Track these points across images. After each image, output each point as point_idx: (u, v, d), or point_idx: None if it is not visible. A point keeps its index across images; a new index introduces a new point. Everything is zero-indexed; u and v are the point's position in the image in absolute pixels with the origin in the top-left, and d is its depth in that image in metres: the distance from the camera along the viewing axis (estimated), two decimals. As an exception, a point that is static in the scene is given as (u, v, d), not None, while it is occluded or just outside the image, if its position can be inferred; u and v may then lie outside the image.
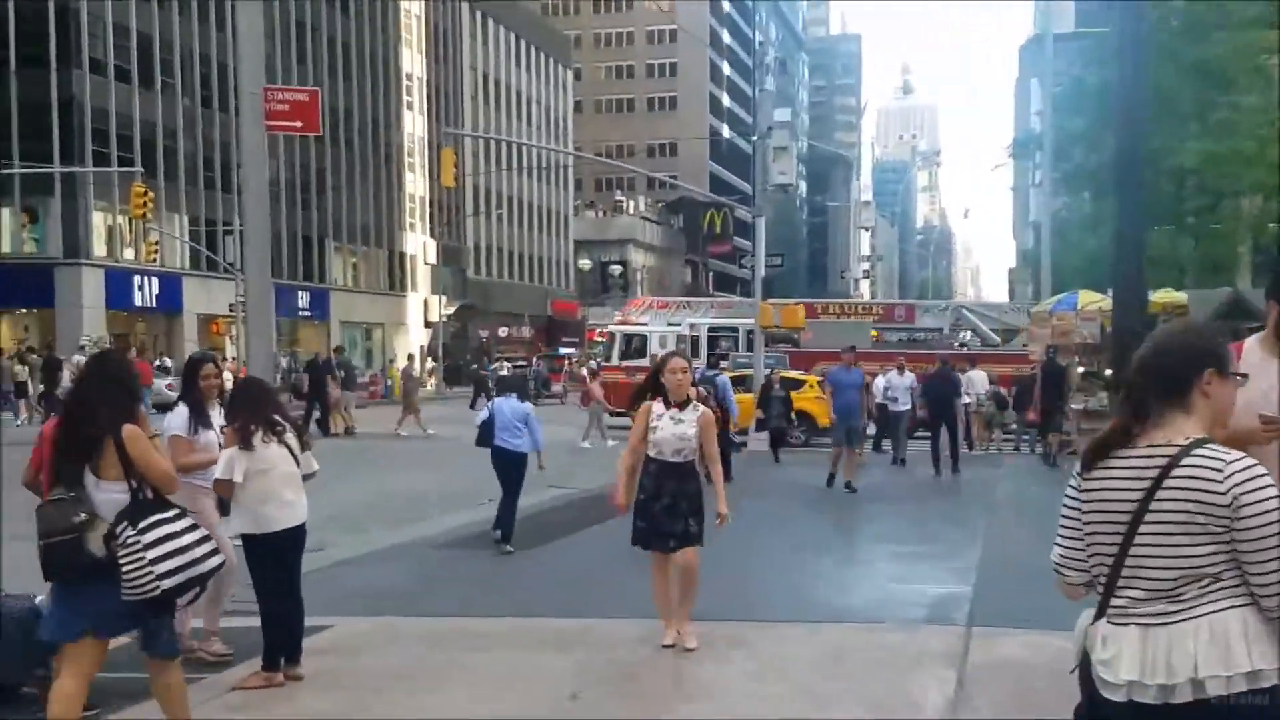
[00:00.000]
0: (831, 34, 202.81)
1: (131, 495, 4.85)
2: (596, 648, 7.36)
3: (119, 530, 4.75)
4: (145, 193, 33.74)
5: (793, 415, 22.38)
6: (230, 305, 45.91)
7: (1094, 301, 27.65)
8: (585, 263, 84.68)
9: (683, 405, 7.26)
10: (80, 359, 37.59)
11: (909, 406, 20.01)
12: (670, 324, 33.36)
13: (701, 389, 10.66)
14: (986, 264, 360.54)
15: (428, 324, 65.65)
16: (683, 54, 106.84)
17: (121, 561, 4.73)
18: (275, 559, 6.59)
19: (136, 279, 47.19)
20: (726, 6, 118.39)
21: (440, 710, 6.11)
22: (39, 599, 5.93)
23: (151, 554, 4.74)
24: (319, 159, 58.96)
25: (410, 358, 28.89)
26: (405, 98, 67.33)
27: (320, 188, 59.46)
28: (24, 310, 46.49)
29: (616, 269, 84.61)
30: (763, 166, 29.78)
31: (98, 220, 45.45)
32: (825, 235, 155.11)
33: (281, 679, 6.57)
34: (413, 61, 68.83)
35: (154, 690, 5.20)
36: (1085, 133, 36.26)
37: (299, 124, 11.06)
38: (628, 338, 32.97)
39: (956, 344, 33.33)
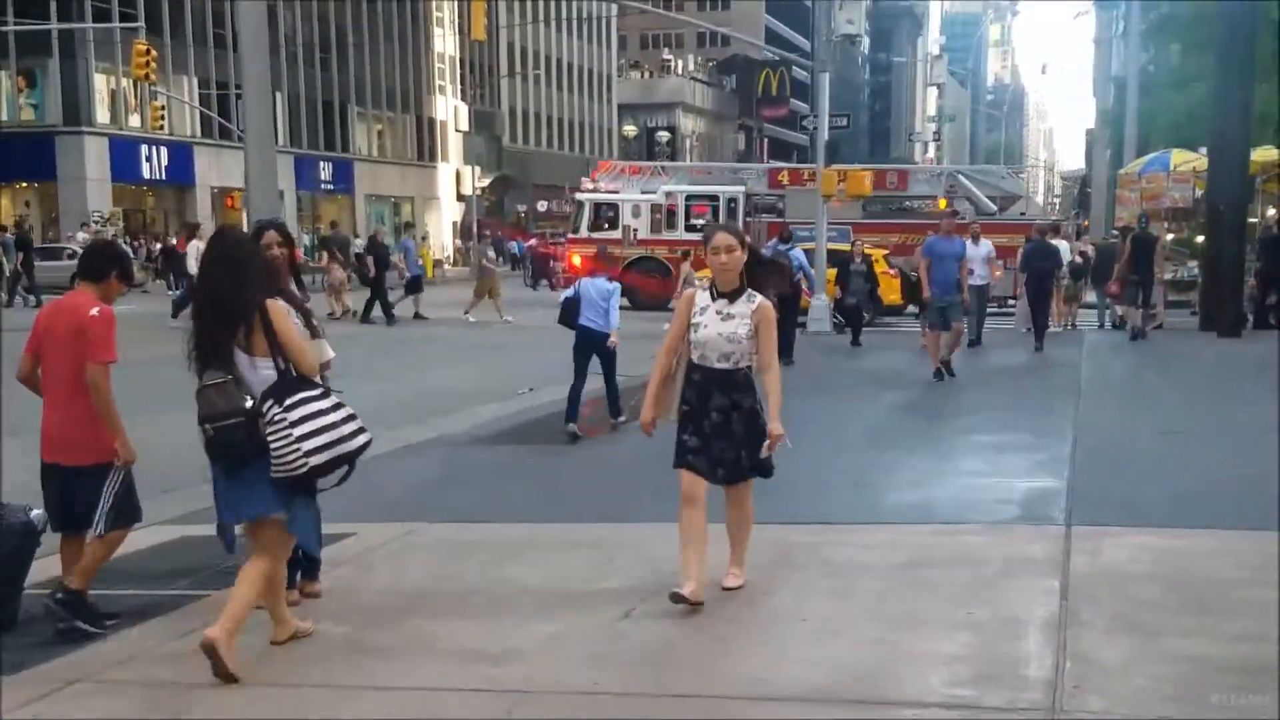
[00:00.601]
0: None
1: (278, 373, 5.09)
2: (642, 558, 6.80)
3: (266, 409, 4.99)
4: (148, 51, 32.89)
5: (876, 293, 21.79)
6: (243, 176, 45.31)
7: (1187, 161, 26.65)
8: (630, 129, 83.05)
9: (733, 296, 5.83)
10: (85, 236, 37.32)
11: (987, 280, 19.18)
12: (644, 191, 32.07)
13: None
14: (1061, 125, 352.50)
15: (460, 198, 64.88)
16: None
17: (270, 440, 4.97)
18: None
19: (144, 148, 46.64)
20: None
21: (465, 638, 5.60)
22: (34, 512, 5.87)
23: (298, 431, 4.97)
24: (338, 16, 57.73)
25: (484, 237, 27.77)
26: (430, -52, 65.60)
27: (341, 48, 58.32)
28: (24, 184, 46.12)
29: (664, 135, 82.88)
30: (826, 15, 28.39)
31: (100, 84, 44.71)
32: (889, 96, 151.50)
33: (297, 597, 6.06)
34: (440, -92, 66.90)
35: (255, 578, 5.17)
36: None
37: None
38: (597, 206, 31.72)
39: (951, 212, 32.37)
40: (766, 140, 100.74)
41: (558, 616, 5.82)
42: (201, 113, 48.37)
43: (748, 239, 6.07)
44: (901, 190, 33.43)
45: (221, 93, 49.17)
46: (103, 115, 45.65)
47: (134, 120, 46.93)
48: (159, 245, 43.05)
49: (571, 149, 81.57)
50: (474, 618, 5.87)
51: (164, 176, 48.03)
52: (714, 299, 5.89)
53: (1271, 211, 22.71)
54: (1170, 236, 25.37)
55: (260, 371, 5.12)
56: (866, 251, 21.64)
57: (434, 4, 65.84)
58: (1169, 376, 15.57)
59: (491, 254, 26.71)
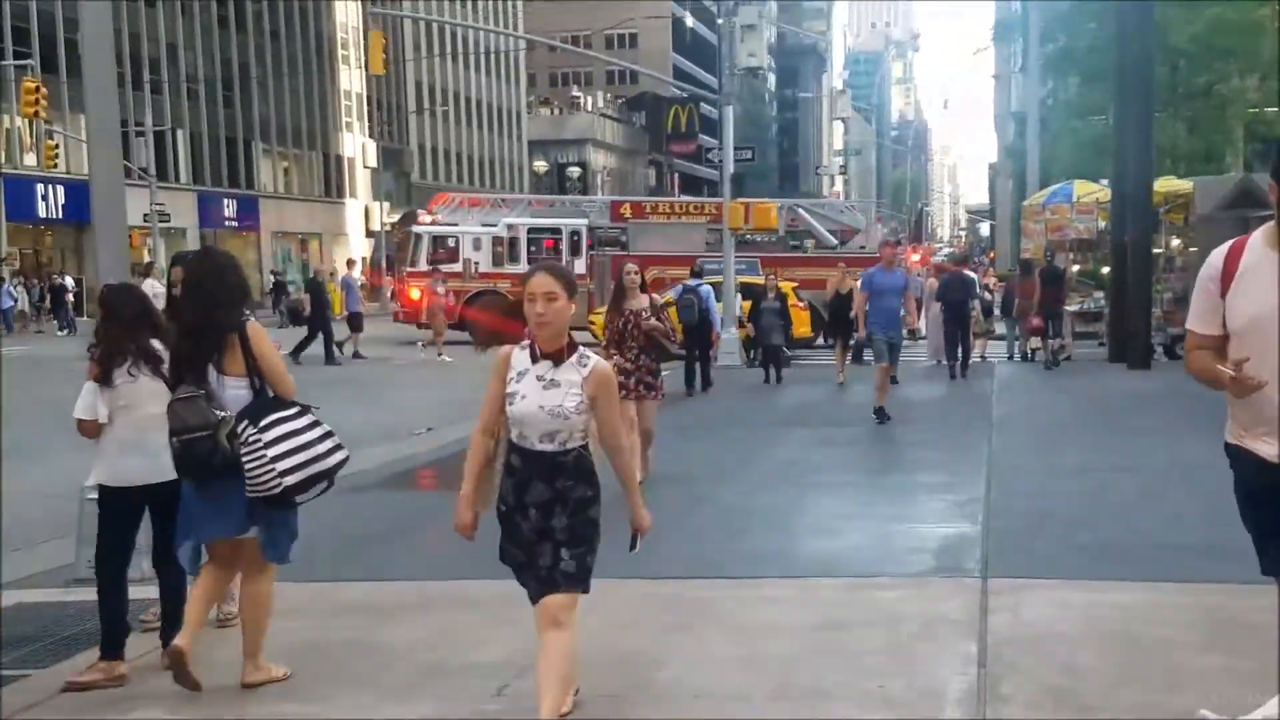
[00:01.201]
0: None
1: (254, 393, 5.11)
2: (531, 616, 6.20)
3: (240, 428, 4.99)
4: (37, 89, 31.78)
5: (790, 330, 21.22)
6: (144, 215, 44.05)
7: (1090, 193, 26.89)
8: (541, 164, 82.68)
9: (558, 357, 4.38)
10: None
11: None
12: (484, 224, 31.35)
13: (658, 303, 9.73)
14: (965, 159, 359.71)
15: (369, 233, 63.83)
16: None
17: (245, 460, 4.95)
18: (130, 520, 5.55)
19: (40, 187, 45.11)
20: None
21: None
22: None
23: (272, 451, 4.96)
24: (241, 52, 56.68)
25: (435, 272, 26.70)
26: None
27: (245, 84, 57.17)
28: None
29: (575, 171, 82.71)
30: (730, 49, 28.27)
31: (-10, 123, 43.22)
32: (796, 131, 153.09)
33: (123, 671, 5.43)
34: (345, -57, 66.09)
35: (242, 598, 5.39)
36: (1071, 12, 35.40)
37: None
38: (435, 239, 30.85)
39: (790, 246, 32.36)
40: (677, 175, 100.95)
41: (422, 694, 5.22)
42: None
43: (576, 284, 4.61)
44: (743, 224, 33.19)
45: (122, 130, 47.69)
46: (-5, 154, 44.10)
47: (29, 159, 45.43)
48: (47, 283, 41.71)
49: (481, 184, 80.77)
50: (327, 698, 5.22)
51: (61, 215, 46.46)
52: (534, 361, 4.37)
53: (1176, 241, 22.84)
54: (1076, 268, 25.57)
55: (229, 390, 5.13)
56: (781, 286, 21.28)
57: (339, 40, 64.94)
58: (1082, 411, 15.33)
59: (441, 290, 25.87)
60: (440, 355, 24.34)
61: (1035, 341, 21.40)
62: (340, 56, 65.42)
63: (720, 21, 30.01)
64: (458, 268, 29.29)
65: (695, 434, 13.91)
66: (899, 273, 15.09)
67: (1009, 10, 75.92)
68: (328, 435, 5.17)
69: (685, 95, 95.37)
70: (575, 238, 30.65)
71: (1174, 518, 8.44)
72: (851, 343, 18.65)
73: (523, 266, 29.45)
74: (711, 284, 20.07)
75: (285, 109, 60.15)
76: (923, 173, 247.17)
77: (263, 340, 5.21)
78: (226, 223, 55.87)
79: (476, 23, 76.83)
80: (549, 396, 4.34)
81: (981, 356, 22.89)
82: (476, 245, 30.38)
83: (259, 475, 4.97)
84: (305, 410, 5.20)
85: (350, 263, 29.58)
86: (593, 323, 24.22)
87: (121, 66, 48.18)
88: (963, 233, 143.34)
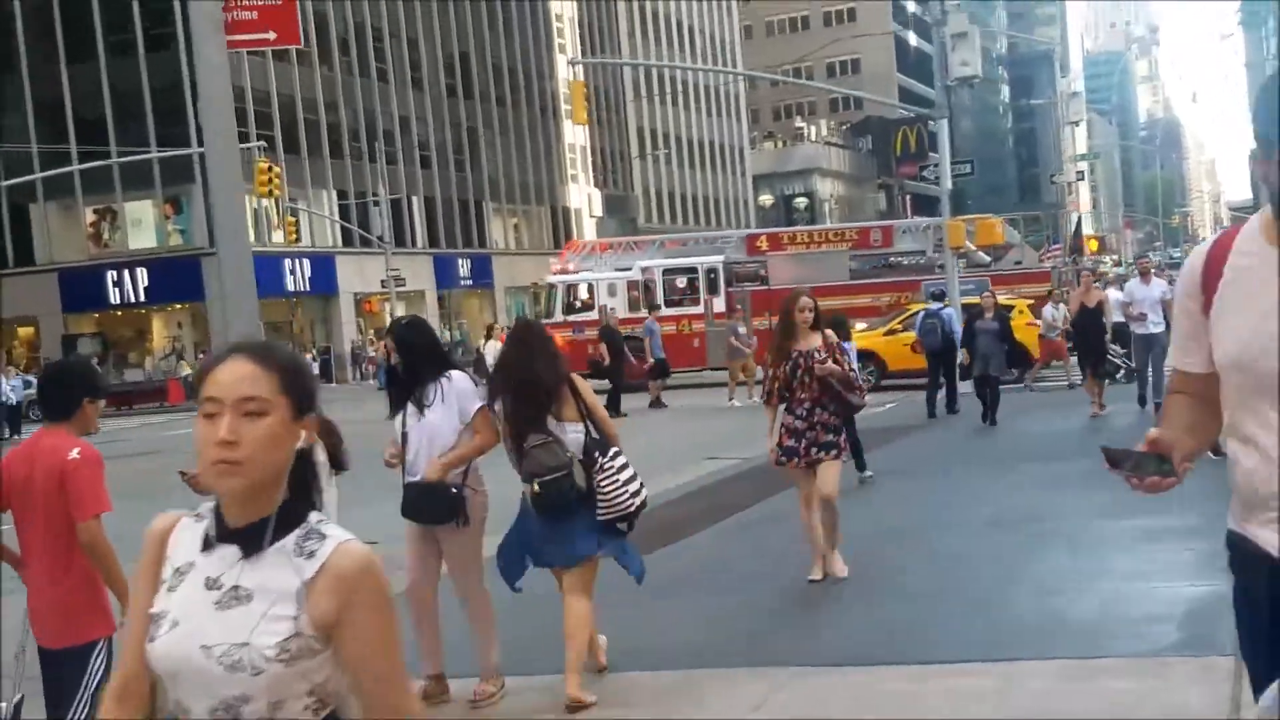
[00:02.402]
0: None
1: (587, 433, 5.68)
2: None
3: (597, 458, 5.62)
4: (270, 169, 32.99)
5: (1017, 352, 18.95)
6: (381, 281, 45.38)
7: None
8: (767, 198, 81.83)
9: (252, 539, 1.93)
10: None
11: (1162, 328, 15.15)
12: (618, 269, 30.09)
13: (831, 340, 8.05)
14: (1224, 154, 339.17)
15: (600, 281, 64.26)
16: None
17: (602, 484, 5.60)
18: None
19: (287, 262, 47.10)
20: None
21: None
22: None
23: (623, 476, 5.66)
24: (469, 117, 58.09)
25: (735, 312, 25.67)
26: (557, 41, 65.73)
27: (474, 147, 58.59)
28: (177, 305, 46.98)
29: (802, 201, 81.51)
30: (942, 60, 26.77)
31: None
32: (1034, 142, 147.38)
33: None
34: (561, 3, 67.17)
35: (572, 616, 5.69)
36: None
37: (271, 35, 9.15)
38: (569, 288, 29.80)
39: (937, 267, 29.26)
40: (909, 196, 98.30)
41: None
42: (341, 224, 48.76)
43: (309, 380, 2.35)
44: (886, 247, 30.55)
45: (360, 201, 49.58)
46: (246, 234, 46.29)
47: (276, 236, 47.53)
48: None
49: (708, 223, 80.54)
50: None
51: (308, 287, 48.45)
52: (206, 546, 2.06)
53: None
54: None
55: (569, 434, 5.70)
56: (1003, 303, 19.54)
57: (562, 95, 65.84)
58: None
59: (742, 330, 23.94)
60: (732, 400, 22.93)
61: None
62: (564, 111, 66.37)
63: (932, 28, 28.44)
64: (594, 315, 28.05)
65: (912, 472, 12.61)
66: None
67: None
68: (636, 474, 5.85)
69: (912, 115, 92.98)
70: (712, 275, 29.39)
71: None
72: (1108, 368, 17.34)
73: (662, 310, 28.35)
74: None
75: (513, 167, 61.34)
76: (1176, 172, 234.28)
77: (588, 390, 5.97)
78: (462, 282, 57.19)
79: (695, 63, 76.93)
80: (225, 623, 2.00)
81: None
82: (611, 291, 29.30)
83: (617, 496, 5.67)
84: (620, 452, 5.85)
85: (654, 308, 27.23)
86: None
87: (357, 141, 50.24)
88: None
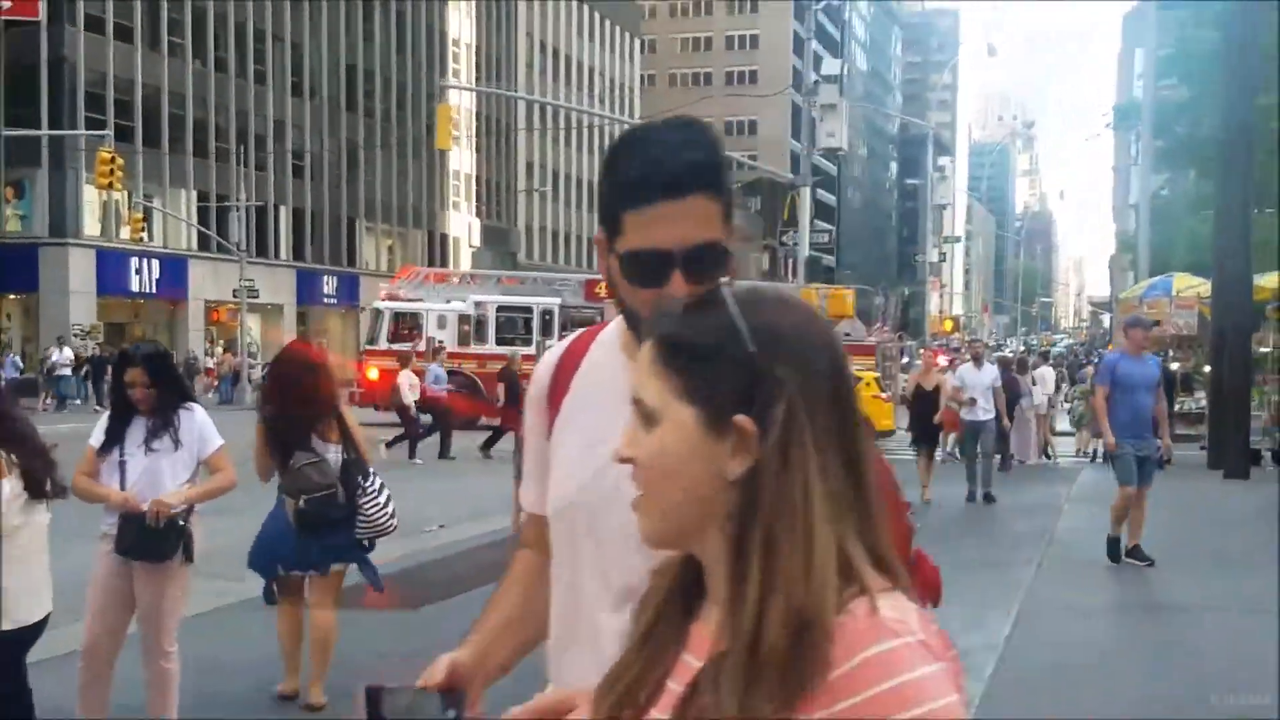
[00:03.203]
0: (927, 8, 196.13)
1: (348, 456, 6.00)
2: None
3: (359, 481, 6.00)
4: (112, 159, 30.01)
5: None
6: (234, 290, 42.38)
7: (1191, 286, 24.30)
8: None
9: None
10: (64, 353, 34.15)
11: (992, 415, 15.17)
12: (450, 300, 29.07)
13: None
14: (1089, 251, 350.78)
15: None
16: (764, 25, 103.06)
17: (365, 506, 6.00)
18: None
19: (134, 261, 43.79)
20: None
21: None
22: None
23: (382, 499, 6.07)
24: (351, 130, 55.45)
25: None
26: (452, 65, 63.44)
27: (352, 161, 55.89)
28: (9, 295, 43.22)
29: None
30: (810, 130, 25.90)
31: (91, 195, 41.86)
32: (915, 221, 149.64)
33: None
34: (460, 25, 65.01)
35: (315, 628, 5.99)
36: (1190, 103, 32.70)
37: (6, 4, 6.89)
38: (397, 316, 28.56)
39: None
40: (793, 260, 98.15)
41: None
42: (198, 228, 45.59)
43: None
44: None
45: (221, 205, 46.50)
46: (92, 227, 42.92)
47: (125, 232, 44.22)
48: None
49: (590, 266, 78.87)
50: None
51: (155, 289, 45.14)
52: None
53: None
54: (1175, 365, 22.88)
55: (329, 455, 5.96)
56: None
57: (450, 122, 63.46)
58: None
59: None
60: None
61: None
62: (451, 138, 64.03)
63: (803, 96, 27.63)
64: (421, 345, 26.86)
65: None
66: (1152, 361, 10.77)
67: (1130, 96, 72.23)
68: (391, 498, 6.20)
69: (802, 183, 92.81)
70: (547, 317, 28.39)
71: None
72: (941, 452, 17.23)
73: (491, 347, 27.72)
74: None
75: (392, 187, 58.76)
76: (1045, 263, 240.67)
77: (351, 415, 6.25)
78: (325, 299, 54.29)
79: (592, 105, 75.39)
80: None
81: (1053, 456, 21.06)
82: (441, 323, 28.04)
83: (377, 516, 6.05)
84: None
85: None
86: None
87: (225, 141, 47.18)
88: (1084, 324, 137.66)
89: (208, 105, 47.26)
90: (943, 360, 22.72)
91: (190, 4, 46.20)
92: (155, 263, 44.55)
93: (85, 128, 40.41)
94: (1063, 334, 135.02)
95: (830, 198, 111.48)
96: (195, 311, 46.97)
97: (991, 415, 14.88)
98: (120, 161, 31.10)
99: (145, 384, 5.18)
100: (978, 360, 15.20)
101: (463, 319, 28.31)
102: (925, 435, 15.46)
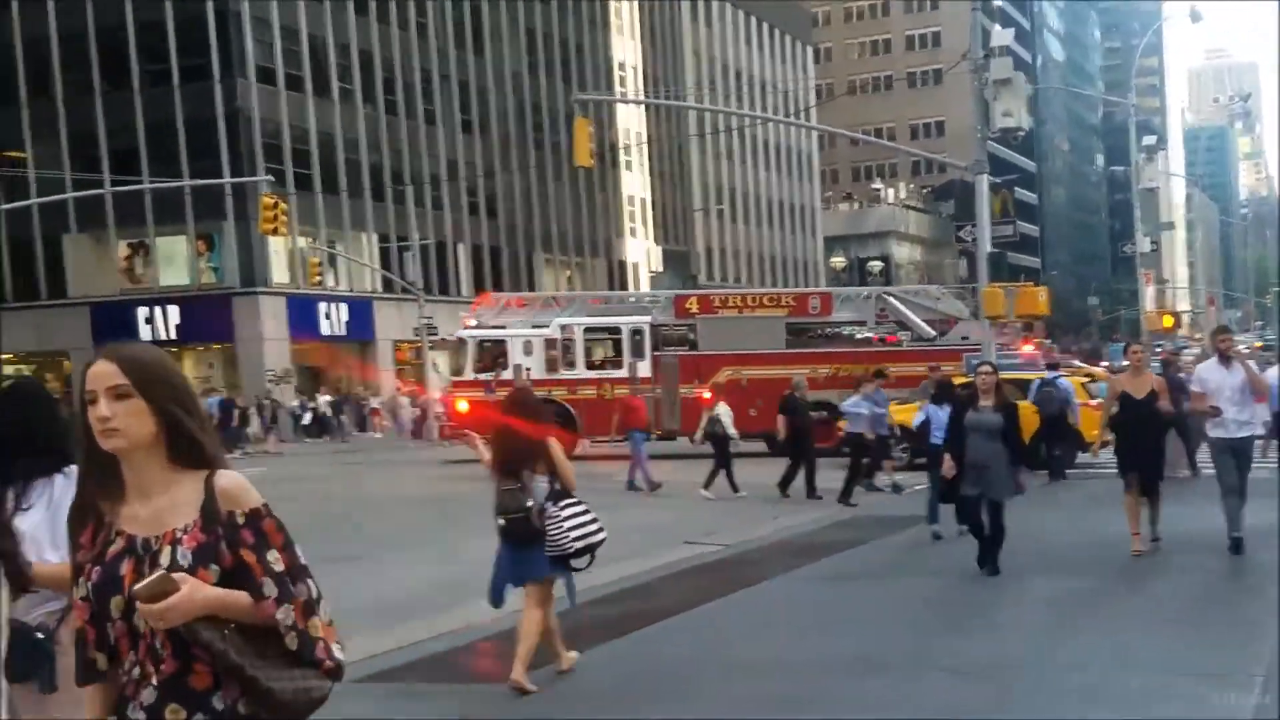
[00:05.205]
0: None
1: (550, 485, 7.29)
2: None
3: (547, 507, 7.21)
4: (275, 204, 31.56)
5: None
6: (415, 329, 44.03)
7: None
8: (839, 260, 79.66)
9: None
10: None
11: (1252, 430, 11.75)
12: (536, 325, 28.09)
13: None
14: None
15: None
16: (946, 21, 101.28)
17: (548, 528, 7.18)
18: None
19: (322, 306, 45.99)
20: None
21: None
22: None
23: (568, 524, 7.22)
24: (523, 164, 56.98)
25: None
26: (619, 89, 64.56)
27: (526, 194, 57.42)
28: (207, 346, 45.97)
29: (876, 265, 79.19)
30: (984, 110, 24.86)
31: (276, 244, 44.19)
32: (1128, 214, 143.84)
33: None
34: (624, 49, 66.15)
35: (525, 619, 7.27)
36: None
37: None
38: (481, 344, 27.79)
39: (877, 338, 27.94)
40: (966, 259, 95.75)
41: None
42: (382, 271, 47.56)
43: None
44: (824, 316, 28.27)
45: (402, 245, 48.42)
46: (280, 275, 45.31)
47: (316, 279, 46.48)
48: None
49: (773, 284, 78.73)
50: None
51: (345, 332, 47.26)
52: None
53: None
54: None
55: (538, 484, 7.28)
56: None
57: (621, 146, 64.55)
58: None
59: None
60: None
61: None
62: (623, 163, 65.13)
63: (972, 72, 26.12)
64: (508, 374, 26.33)
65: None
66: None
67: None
68: (595, 519, 7.36)
69: (999, 181, 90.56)
70: (637, 337, 27.41)
71: None
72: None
73: (580, 371, 27.21)
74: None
75: (568, 218, 60.03)
76: (1276, 251, 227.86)
77: (559, 451, 7.43)
78: (509, 333, 55.67)
79: (766, 125, 75.47)
80: None
81: None
82: (527, 349, 27.42)
83: (558, 539, 7.18)
84: (581, 502, 7.38)
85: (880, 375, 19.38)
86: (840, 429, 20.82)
87: (401, 184, 49.25)
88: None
89: (381, 149, 49.37)
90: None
91: (356, 49, 48.49)
92: (343, 306, 46.68)
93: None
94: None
95: (1031, 196, 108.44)
96: (384, 350, 48.92)
97: (1255, 428, 11.87)
98: (283, 206, 32.69)
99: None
100: (1225, 358, 11.11)
101: (549, 343, 27.51)
102: (1141, 457, 11.34)
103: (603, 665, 7.80)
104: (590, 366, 27.44)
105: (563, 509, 7.20)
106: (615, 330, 27.86)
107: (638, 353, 27.04)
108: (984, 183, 23.62)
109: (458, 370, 28.16)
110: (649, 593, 10.09)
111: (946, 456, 10.64)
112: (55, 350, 46.07)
